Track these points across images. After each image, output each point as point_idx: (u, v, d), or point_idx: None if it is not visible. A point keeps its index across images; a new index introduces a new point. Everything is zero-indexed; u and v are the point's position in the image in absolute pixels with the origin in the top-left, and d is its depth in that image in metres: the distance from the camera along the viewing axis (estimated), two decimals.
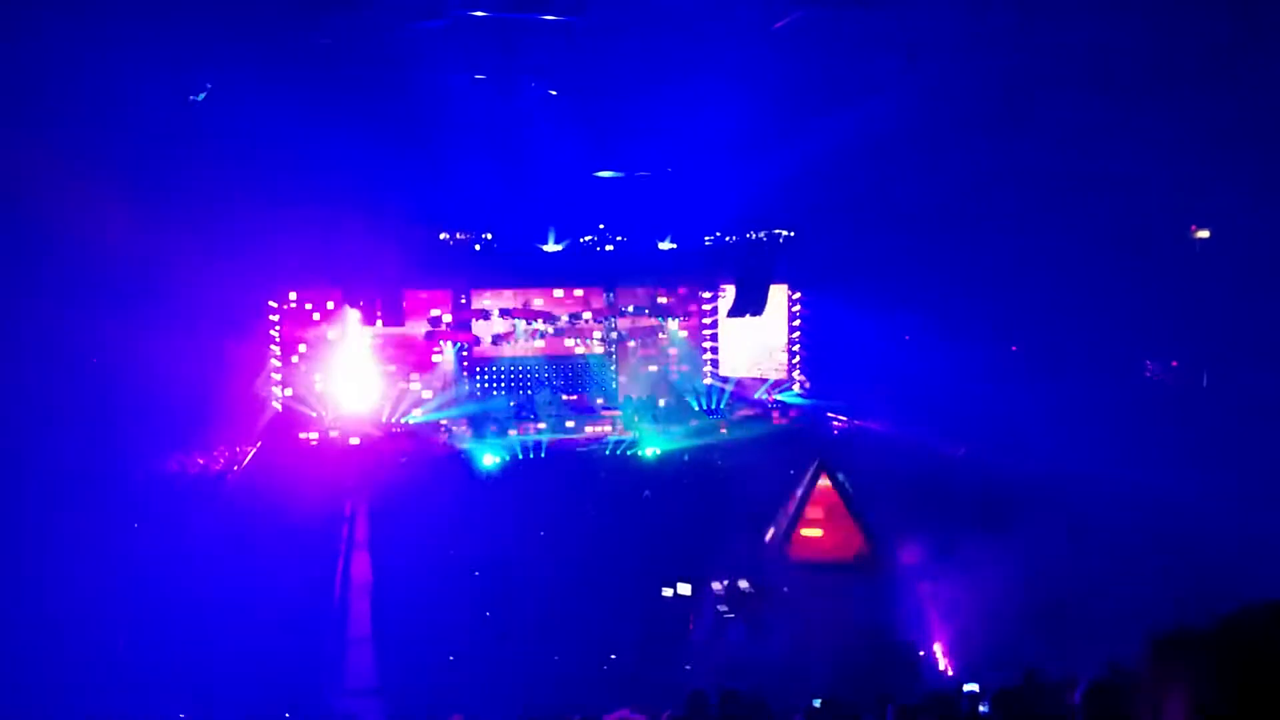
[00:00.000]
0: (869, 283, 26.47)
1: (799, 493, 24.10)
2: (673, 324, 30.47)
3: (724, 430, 28.69)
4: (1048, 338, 24.33)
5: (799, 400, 29.81)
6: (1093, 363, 23.20)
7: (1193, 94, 18.77)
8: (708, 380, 30.51)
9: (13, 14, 16.27)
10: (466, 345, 29.37)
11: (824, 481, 24.01)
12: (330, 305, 28.44)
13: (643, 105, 24.05)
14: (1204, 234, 24.57)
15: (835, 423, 28.74)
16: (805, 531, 23.70)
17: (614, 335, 30.00)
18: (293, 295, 27.98)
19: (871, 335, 26.82)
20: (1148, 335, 23.51)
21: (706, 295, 30.54)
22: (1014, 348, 26.67)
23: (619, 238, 30.09)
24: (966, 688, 11.01)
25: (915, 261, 24.91)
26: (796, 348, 30.32)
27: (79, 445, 19.49)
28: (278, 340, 27.59)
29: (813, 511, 23.90)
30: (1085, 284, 22.76)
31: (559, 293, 29.83)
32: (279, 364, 27.44)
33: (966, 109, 20.65)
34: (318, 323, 28.32)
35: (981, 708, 8.41)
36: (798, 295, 30.15)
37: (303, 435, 27.19)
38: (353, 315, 28.37)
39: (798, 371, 30.26)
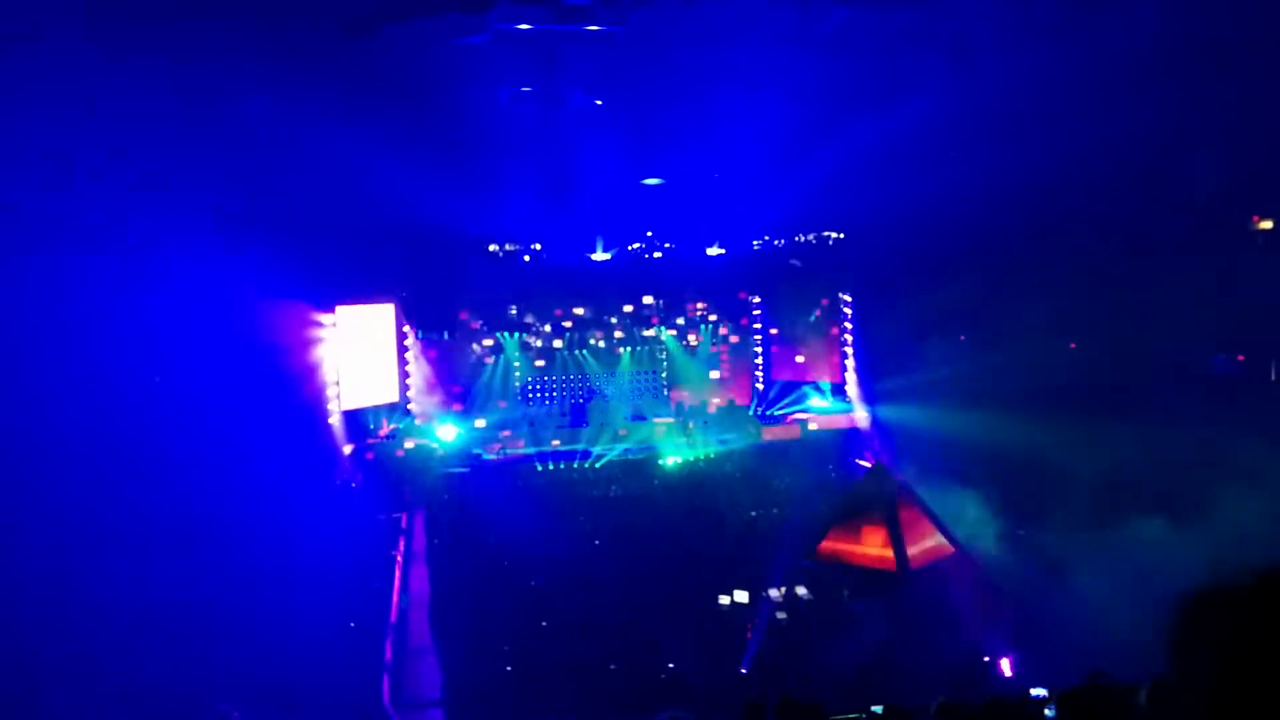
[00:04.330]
0: (920, 285, 26.14)
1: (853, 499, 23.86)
2: (722, 330, 30.37)
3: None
4: (1108, 335, 23.81)
5: (828, 407, 29.51)
6: (1158, 360, 22.64)
7: (1253, 83, 18.33)
8: (759, 385, 30.38)
9: (82, 46, 16.68)
10: (520, 356, 29.54)
11: (879, 488, 23.76)
12: (384, 319, 28.76)
13: (688, 112, 24.07)
14: (1267, 225, 23.94)
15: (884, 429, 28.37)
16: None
17: (665, 341, 29.98)
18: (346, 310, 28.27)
19: (924, 338, 26.49)
20: (1214, 330, 22.92)
21: (756, 300, 30.39)
22: (1072, 345, 26.15)
23: (667, 245, 30.10)
24: (1034, 692, 10.80)
25: (967, 263, 24.53)
26: (849, 350, 30.05)
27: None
28: (334, 355, 27.89)
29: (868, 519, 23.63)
30: (1147, 280, 22.25)
31: (608, 300, 29.83)
32: (336, 378, 27.74)
33: (1016, 107, 20.36)
34: (370, 339, 28.68)
35: (1048, 711, 8.22)
36: (849, 299, 29.87)
37: (349, 447, 27.40)
38: (407, 329, 28.71)
39: (851, 375, 30.00)
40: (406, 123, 23.10)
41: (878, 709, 9.60)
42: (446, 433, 27.88)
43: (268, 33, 18.87)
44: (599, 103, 23.58)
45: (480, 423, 28.76)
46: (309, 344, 26.87)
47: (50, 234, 18.75)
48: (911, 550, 23.14)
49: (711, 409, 29.26)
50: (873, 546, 23.42)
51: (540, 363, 29.72)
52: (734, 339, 30.46)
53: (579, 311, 29.77)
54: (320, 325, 27.30)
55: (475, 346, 29.49)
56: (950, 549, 23.22)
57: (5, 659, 15.89)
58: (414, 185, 24.18)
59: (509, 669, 19.63)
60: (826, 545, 23.58)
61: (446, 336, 29.34)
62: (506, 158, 25.53)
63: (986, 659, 18.89)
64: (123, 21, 16.81)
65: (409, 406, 28.65)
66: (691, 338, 30.21)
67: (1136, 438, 21.47)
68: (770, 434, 28.30)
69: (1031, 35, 17.89)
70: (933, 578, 22.13)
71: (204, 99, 19.86)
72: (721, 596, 21.85)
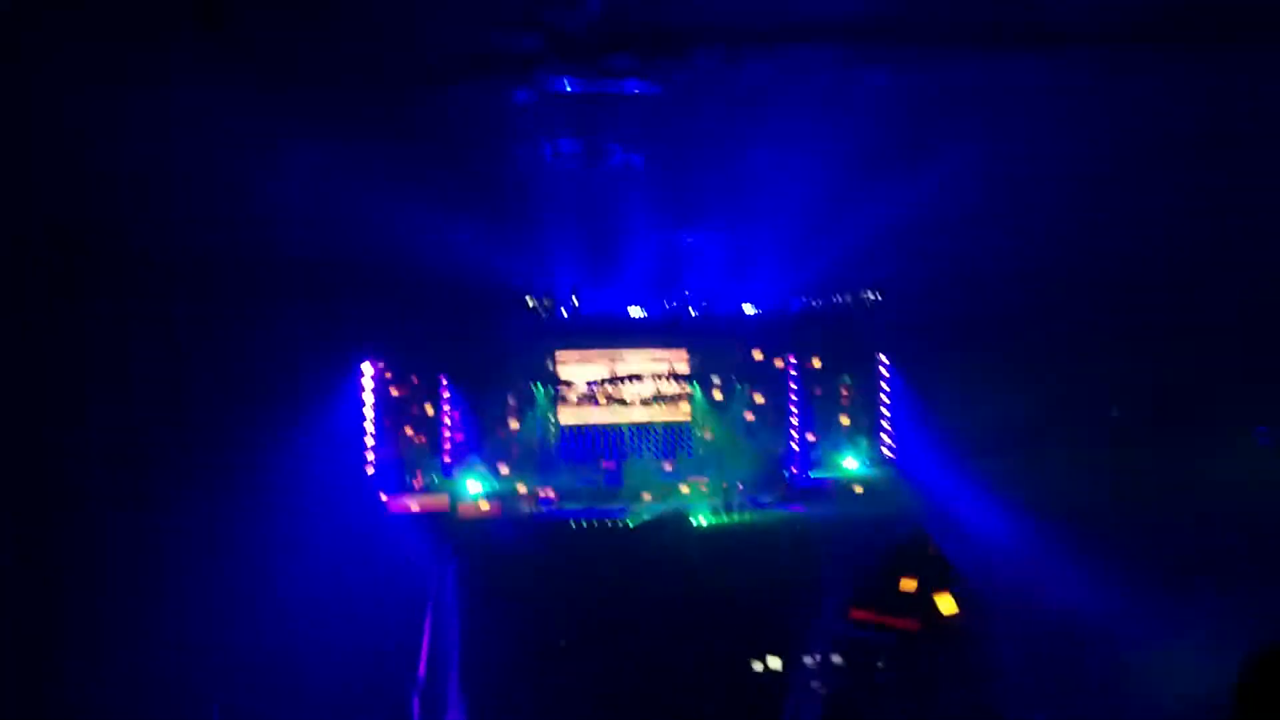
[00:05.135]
0: (959, 347, 25.89)
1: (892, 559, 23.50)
2: (757, 389, 30.12)
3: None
4: (1151, 402, 23.44)
5: (864, 470, 29.10)
6: (1205, 429, 22.24)
7: None
8: (794, 445, 30.05)
9: (88, 93, 16.85)
10: (553, 413, 29.44)
11: (914, 552, 23.37)
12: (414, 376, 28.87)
13: (726, 171, 24.15)
14: None
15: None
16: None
17: (700, 399, 29.80)
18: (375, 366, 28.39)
19: (963, 401, 26.18)
20: (1262, 399, 22.50)
21: (791, 359, 30.17)
22: (1114, 413, 25.74)
23: (703, 302, 30.06)
24: None
25: (1008, 323, 24.30)
26: (885, 412, 29.73)
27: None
28: (369, 409, 27.89)
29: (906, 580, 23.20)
30: (1191, 345, 21.90)
31: (644, 357, 29.69)
32: (371, 431, 27.75)
33: (1058, 172, 20.24)
34: (406, 391, 28.73)
35: None
36: (886, 360, 29.63)
37: (384, 497, 27.33)
38: (443, 381, 28.75)
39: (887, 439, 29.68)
40: (446, 179, 23.35)
41: None
42: (476, 487, 27.76)
43: (308, 88, 19.12)
44: (639, 162, 23.72)
45: (509, 475, 28.62)
46: (346, 395, 27.00)
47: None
48: (947, 616, 22.71)
49: (745, 469, 28.94)
50: (908, 612, 23.01)
51: (575, 421, 29.58)
52: (769, 398, 30.18)
53: (614, 369, 29.67)
54: (358, 376, 27.43)
55: (510, 400, 29.44)
56: (989, 615, 22.77)
57: None
58: (452, 239, 24.38)
59: None
60: (861, 611, 23.18)
61: (481, 389, 29.34)
62: (545, 214, 25.71)
63: None
64: (149, 73, 16.98)
65: (444, 459, 28.61)
66: (726, 396, 29.99)
67: (1185, 504, 21.10)
68: (805, 496, 27.97)
69: (1073, 101, 17.81)
70: (970, 645, 21.69)
71: (240, 153, 20.14)
72: (755, 662, 21.52)
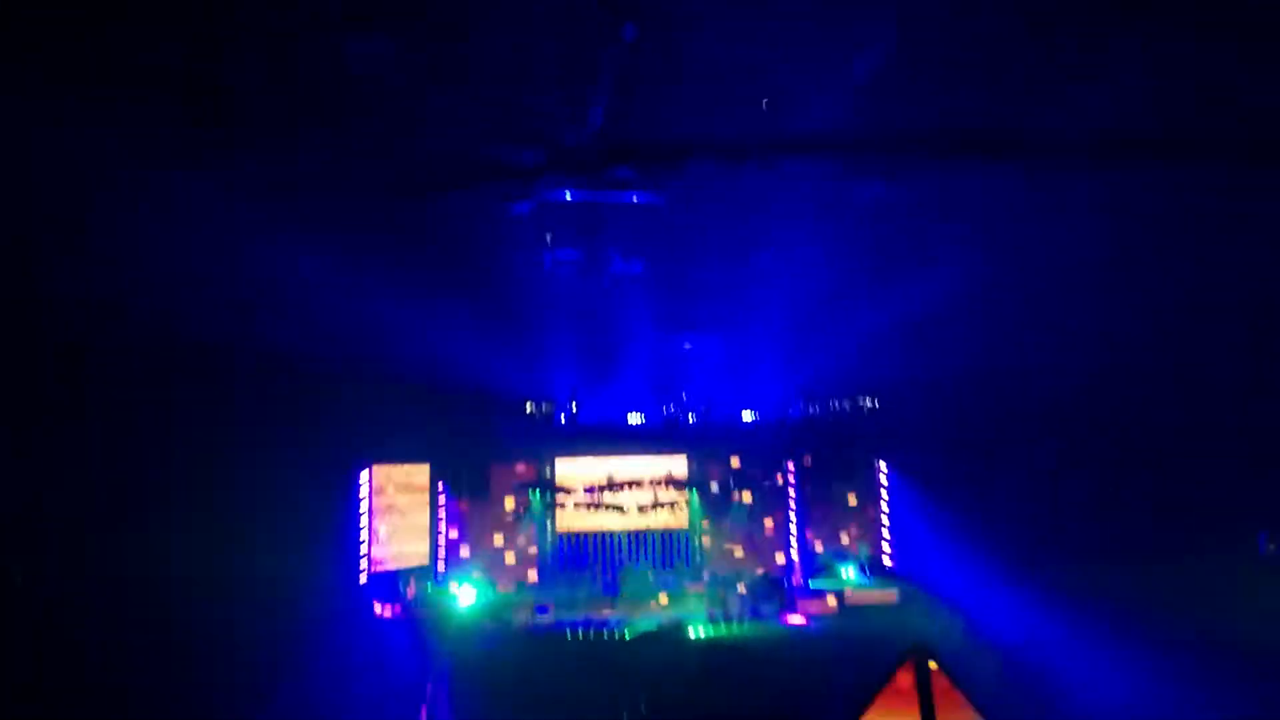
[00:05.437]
0: (959, 453, 25.84)
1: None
2: (755, 497, 29.92)
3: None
4: (1153, 509, 23.25)
5: (864, 580, 28.75)
6: (1206, 538, 22.02)
7: None
8: (794, 556, 29.70)
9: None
10: (550, 519, 29.18)
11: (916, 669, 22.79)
12: (410, 478, 28.64)
13: (722, 280, 24.42)
14: None
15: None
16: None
17: (698, 507, 29.57)
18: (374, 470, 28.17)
19: (962, 509, 25.99)
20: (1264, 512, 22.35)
21: (790, 466, 30.06)
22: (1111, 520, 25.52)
23: (702, 409, 30.09)
24: None
25: (1008, 428, 24.30)
26: (885, 520, 29.50)
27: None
28: (364, 514, 27.59)
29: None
30: (1192, 459, 21.82)
31: (642, 464, 29.58)
32: (365, 538, 27.41)
33: (1056, 272, 20.48)
34: (406, 497, 28.49)
35: None
36: (885, 468, 29.54)
37: (379, 606, 26.84)
38: (438, 488, 28.55)
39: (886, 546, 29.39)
40: (444, 286, 23.53)
41: None
42: (468, 596, 27.30)
43: (305, 193, 19.33)
44: (638, 269, 23.98)
45: (504, 583, 28.19)
46: (342, 503, 26.72)
47: None
48: None
49: (744, 579, 28.53)
50: None
51: (572, 528, 29.29)
52: (768, 506, 29.99)
53: (612, 477, 29.53)
54: (355, 484, 27.18)
55: (507, 505, 29.20)
56: None
57: None
58: (451, 346, 24.45)
59: None
60: None
61: (477, 497, 29.11)
62: (544, 320, 25.88)
63: None
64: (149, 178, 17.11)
65: (439, 568, 28.21)
66: (724, 503, 29.79)
67: (1186, 618, 20.79)
68: (805, 607, 27.46)
69: (1066, 207, 18.13)
70: None
71: (236, 255, 20.25)
72: None
